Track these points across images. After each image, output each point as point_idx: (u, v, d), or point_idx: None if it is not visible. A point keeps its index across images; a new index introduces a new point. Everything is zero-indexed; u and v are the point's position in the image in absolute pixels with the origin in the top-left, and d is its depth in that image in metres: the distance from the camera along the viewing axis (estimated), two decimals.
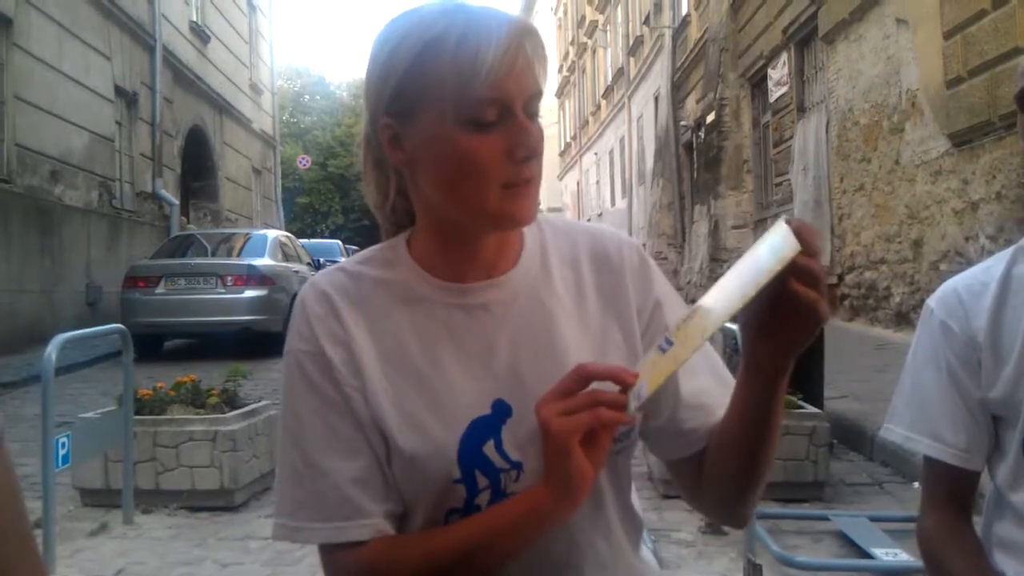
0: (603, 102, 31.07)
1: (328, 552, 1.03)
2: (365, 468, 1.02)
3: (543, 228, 1.14)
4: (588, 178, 35.36)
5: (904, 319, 9.08)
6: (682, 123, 19.56)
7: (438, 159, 0.99)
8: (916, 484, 4.14)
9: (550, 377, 1.03)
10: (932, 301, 1.39)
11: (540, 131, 1.00)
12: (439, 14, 0.98)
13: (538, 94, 0.99)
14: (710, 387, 1.11)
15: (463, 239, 1.06)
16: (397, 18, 1.02)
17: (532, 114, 0.99)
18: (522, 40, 0.97)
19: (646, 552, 1.18)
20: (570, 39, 37.81)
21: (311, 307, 1.07)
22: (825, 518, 3.98)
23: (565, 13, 39.72)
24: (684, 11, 19.44)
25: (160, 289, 10.65)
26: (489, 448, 1.02)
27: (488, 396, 1.04)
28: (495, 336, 1.06)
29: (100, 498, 4.46)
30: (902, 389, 1.41)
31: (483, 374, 1.05)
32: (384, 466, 1.03)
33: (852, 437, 5.33)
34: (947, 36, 8.01)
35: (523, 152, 0.97)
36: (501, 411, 1.03)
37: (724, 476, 1.07)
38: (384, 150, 1.04)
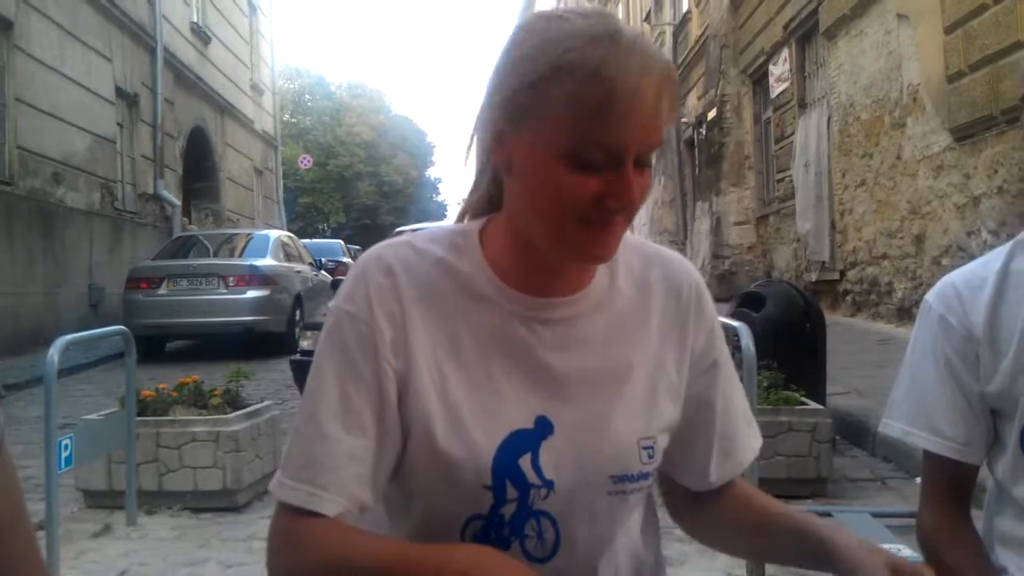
0: None
1: (286, 512, 0.99)
2: (363, 449, 0.99)
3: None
4: None
5: (906, 314, 9.06)
6: (683, 120, 19.52)
7: (530, 180, 0.96)
8: (918, 480, 4.14)
9: (597, 403, 1.03)
10: (930, 296, 1.39)
11: (647, 178, 0.95)
12: (587, 37, 0.90)
13: (657, 146, 0.94)
14: (741, 435, 1.16)
15: (542, 255, 1.02)
16: (546, 16, 0.96)
17: (644, 164, 0.94)
18: (661, 91, 0.91)
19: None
20: None
21: (373, 276, 1.03)
22: (828, 514, 3.93)
23: None
24: (685, 8, 19.42)
25: (162, 290, 10.66)
26: (525, 462, 1.00)
27: (532, 410, 1.02)
28: (551, 353, 1.04)
29: (103, 499, 4.46)
30: (901, 384, 1.41)
31: (531, 387, 1.02)
32: (379, 456, 1.00)
33: (854, 433, 5.32)
34: (948, 31, 7.99)
35: (615, 204, 0.93)
36: (543, 427, 1.01)
37: (733, 549, 1.15)
38: (488, 141, 1.01)
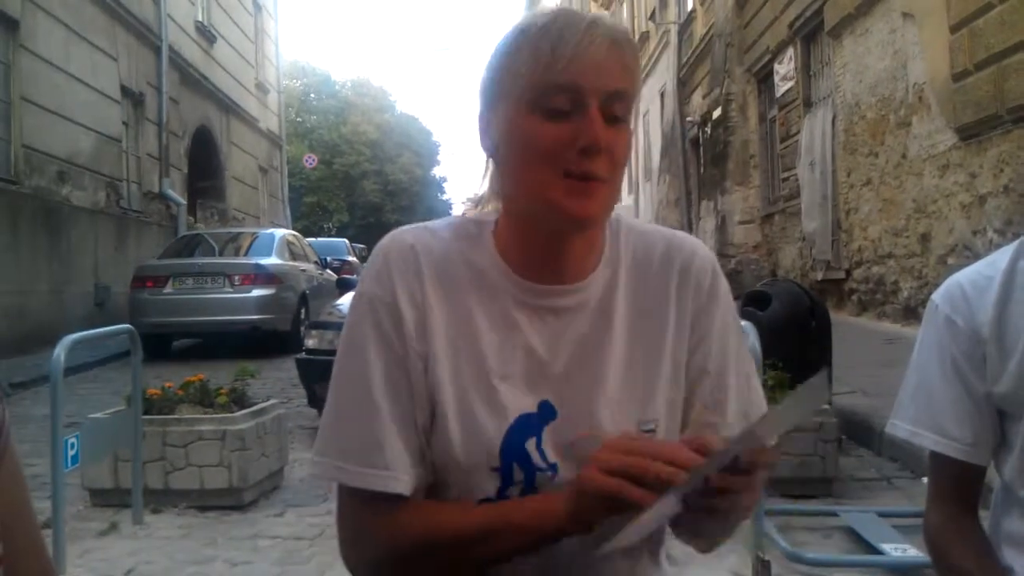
0: None
1: (352, 499, 1.04)
2: (412, 427, 1.04)
3: (622, 230, 1.14)
4: None
5: (912, 313, 9.05)
6: (688, 119, 19.51)
7: (510, 145, 1.01)
8: (925, 479, 4.14)
9: (594, 389, 1.06)
10: (936, 297, 1.39)
11: (622, 136, 1.00)
12: (544, 12, 1.00)
13: (622, 94, 0.99)
14: (731, 400, 1.15)
15: (544, 239, 1.06)
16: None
17: (613, 116, 0.99)
18: (609, 38, 0.97)
19: (663, 556, 1.19)
20: None
21: (395, 258, 1.07)
22: (834, 514, 3.97)
23: None
24: (689, 6, 19.40)
25: (168, 289, 10.67)
26: (531, 445, 1.04)
27: (536, 396, 1.05)
28: (557, 341, 1.07)
29: (110, 498, 4.47)
30: (907, 385, 1.41)
31: (537, 373, 1.06)
32: (422, 435, 1.05)
33: (860, 432, 5.31)
34: (954, 29, 7.97)
35: (584, 141, 0.97)
36: (546, 412, 1.05)
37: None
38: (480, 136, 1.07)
